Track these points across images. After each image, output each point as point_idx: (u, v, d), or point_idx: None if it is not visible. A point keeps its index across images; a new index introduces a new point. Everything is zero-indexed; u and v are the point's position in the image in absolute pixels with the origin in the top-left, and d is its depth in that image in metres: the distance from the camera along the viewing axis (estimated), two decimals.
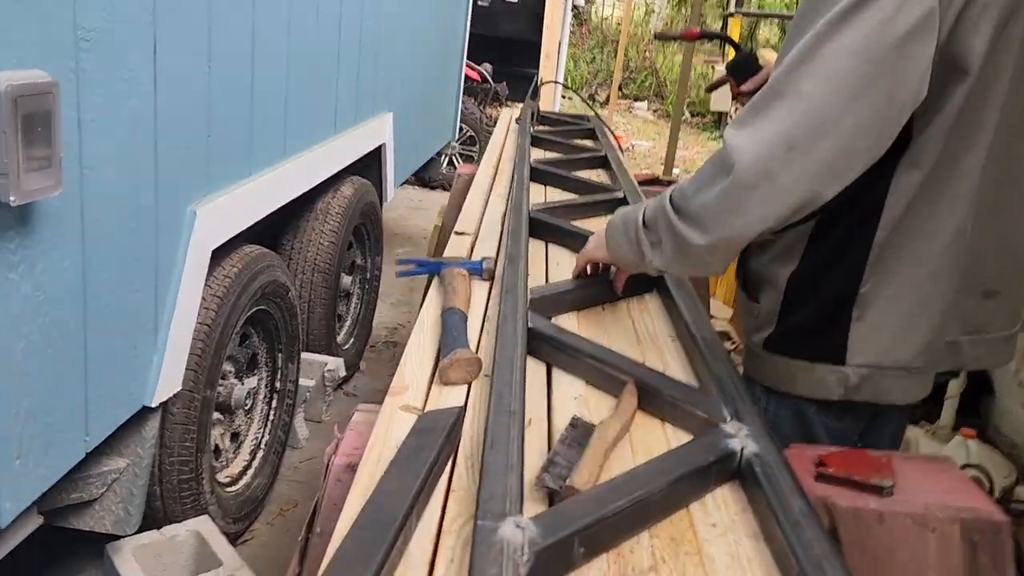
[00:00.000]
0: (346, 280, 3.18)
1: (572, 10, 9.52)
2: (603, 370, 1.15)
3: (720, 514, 0.90)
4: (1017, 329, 1.43)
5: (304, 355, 2.72)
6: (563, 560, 0.76)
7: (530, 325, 1.23)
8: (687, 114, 11.94)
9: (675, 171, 5.01)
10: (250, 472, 2.34)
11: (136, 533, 1.83)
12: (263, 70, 2.04)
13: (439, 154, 5.15)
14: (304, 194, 2.53)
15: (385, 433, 0.99)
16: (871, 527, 1.11)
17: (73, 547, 2.07)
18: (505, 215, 1.97)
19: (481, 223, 1.94)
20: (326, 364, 2.80)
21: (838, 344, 1.27)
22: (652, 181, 3.09)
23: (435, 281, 1.52)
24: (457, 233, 1.85)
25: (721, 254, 1.12)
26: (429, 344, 1.24)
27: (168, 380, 1.75)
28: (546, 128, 3.23)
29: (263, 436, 2.42)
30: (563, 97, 9.72)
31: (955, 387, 3.03)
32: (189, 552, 1.89)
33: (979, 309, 1.34)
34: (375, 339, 3.57)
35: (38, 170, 1.19)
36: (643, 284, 1.54)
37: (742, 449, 0.95)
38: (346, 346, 3.18)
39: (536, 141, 2.91)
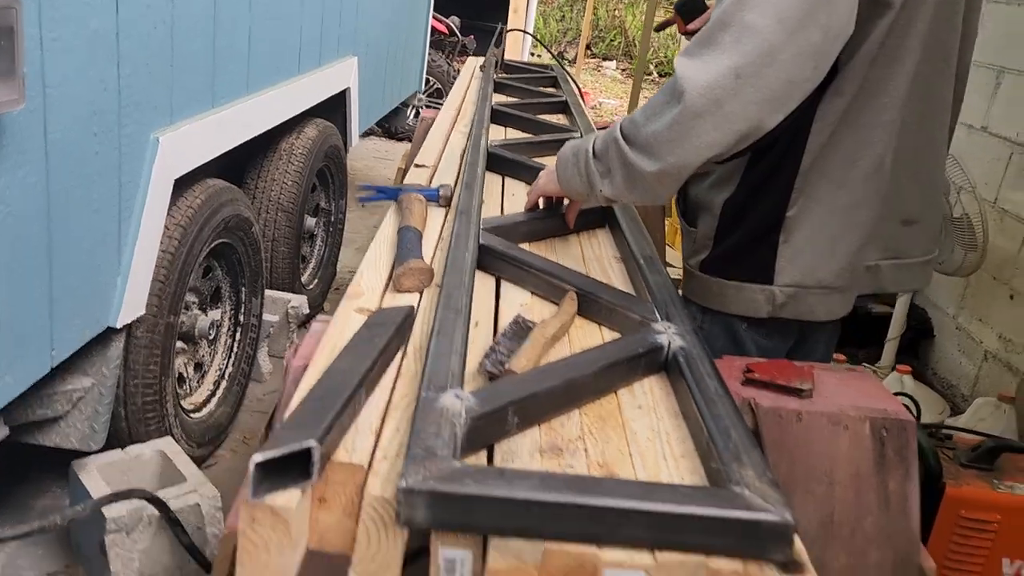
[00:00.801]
0: (310, 222, 3.22)
1: None
2: (548, 280, 1.22)
3: (646, 398, 0.99)
4: (934, 255, 1.54)
5: (268, 292, 2.77)
6: (498, 427, 0.85)
7: (481, 242, 1.31)
8: (655, 72, 11.96)
9: None
10: (214, 401, 2.40)
11: (101, 451, 1.89)
12: (225, 1, 2.06)
13: (405, 105, 5.15)
14: (268, 133, 2.55)
15: (340, 331, 1.06)
16: (790, 425, 1.21)
17: (37, 466, 2.12)
18: (465, 150, 2.03)
19: (441, 157, 1.99)
20: (290, 301, 2.85)
21: (766, 265, 1.37)
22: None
23: (393, 206, 1.58)
24: (417, 165, 1.91)
25: (670, 181, 1.18)
26: (385, 256, 1.31)
27: (132, 304, 1.80)
28: (509, 75, 3.27)
29: (227, 367, 2.48)
30: (532, 55, 9.70)
31: (896, 329, 3.18)
32: (154, 469, 1.96)
33: (899, 236, 1.44)
34: (339, 282, 3.62)
35: (1, 83, 1.23)
36: (595, 220, 1.61)
37: (669, 344, 1.03)
38: (310, 286, 3.23)
39: (499, 87, 2.96)
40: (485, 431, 0.83)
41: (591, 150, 1.26)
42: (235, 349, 2.51)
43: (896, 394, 2.14)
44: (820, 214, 1.34)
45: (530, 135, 2.32)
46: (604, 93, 10.53)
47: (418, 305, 1.18)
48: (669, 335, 1.05)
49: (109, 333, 1.78)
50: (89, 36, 1.51)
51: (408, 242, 1.30)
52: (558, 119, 2.60)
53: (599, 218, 1.63)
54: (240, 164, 2.73)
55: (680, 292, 1.47)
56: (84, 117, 1.53)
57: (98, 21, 1.53)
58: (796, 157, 1.32)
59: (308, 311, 2.95)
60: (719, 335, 1.46)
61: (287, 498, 0.74)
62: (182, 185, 1.98)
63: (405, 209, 1.47)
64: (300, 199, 2.91)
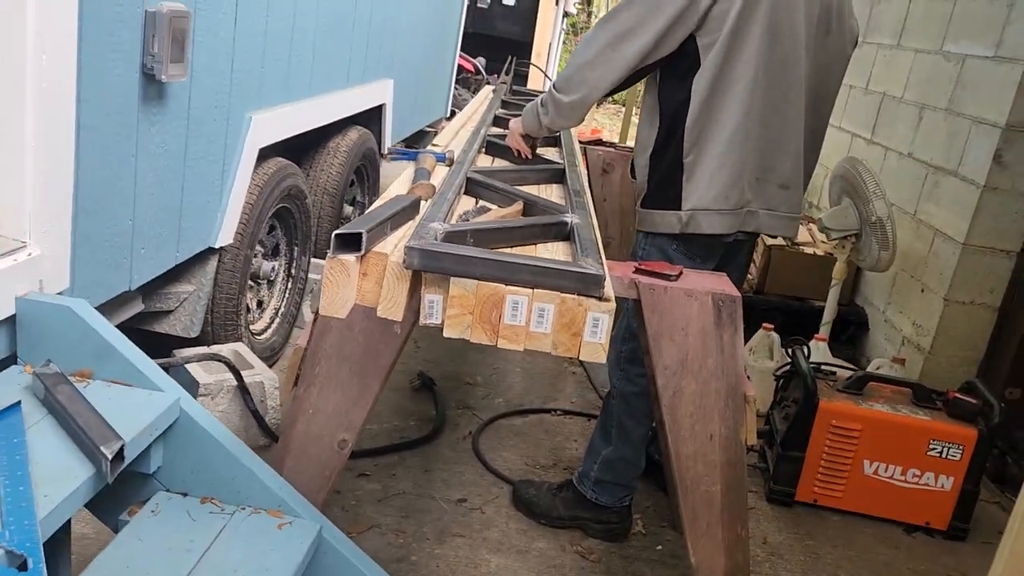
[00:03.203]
0: (348, 210, 3.95)
1: (564, 16, 10.33)
2: (508, 197, 1.93)
3: (552, 249, 1.68)
4: (799, 214, 2.25)
5: (314, 260, 3.49)
6: (460, 242, 1.54)
7: (468, 176, 2.02)
8: None
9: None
10: (270, 330, 3.11)
11: (193, 344, 2.60)
12: (300, 25, 2.83)
13: (432, 130, 5.93)
14: (321, 130, 3.30)
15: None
16: (660, 295, 1.89)
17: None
18: (469, 139, 2.76)
19: (451, 142, 2.72)
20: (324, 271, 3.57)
21: (675, 196, 2.11)
22: (597, 142, 3.87)
23: (413, 163, 2.29)
24: (433, 145, 2.63)
25: (580, 108, 2.07)
26: (405, 182, 2.02)
27: (225, 233, 2.53)
28: (515, 97, 4.02)
29: (281, 307, 3.19)
30: None
31: (828, 314, 3.82)
32: (230, 361, 2.66)
33: (776, 195, 2.19)
34: None
35: (176, 63, 1.97)
36: (554, 177, 2.32)
37: (571, 222, 1.73)
38: None
39: (506, 104, 3.70)
40: (453, 239, 1.53)
41: (539, 100, 2.17)
42: (287, 294, 3.23)
43: (813, 365, 2.76)
44: (704, 159, 2.07)
45: None
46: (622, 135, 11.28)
47: (423, 206, 1.88)
48: (572, 218, 1.74)
49: (208, 252, 2.50)
50: (220, 41, 2.26)
51: (421, 174, 2.01)
52: None
53: (557, 176, 2.33)
54: (299, 153, 3.48)
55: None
56: (210, 94, 2.28)
57: (225, 31, 2.28)
58: (683, 121, 2.06)
59: None
60: (655, 254, 2.18)
61: (347, 257, 1.44)
62: (262, 156, 2.72)
63: (421, 160, 2.19)
64: (342, 188, 3.65)
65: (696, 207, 2.07)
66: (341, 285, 1.44)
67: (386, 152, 4.31)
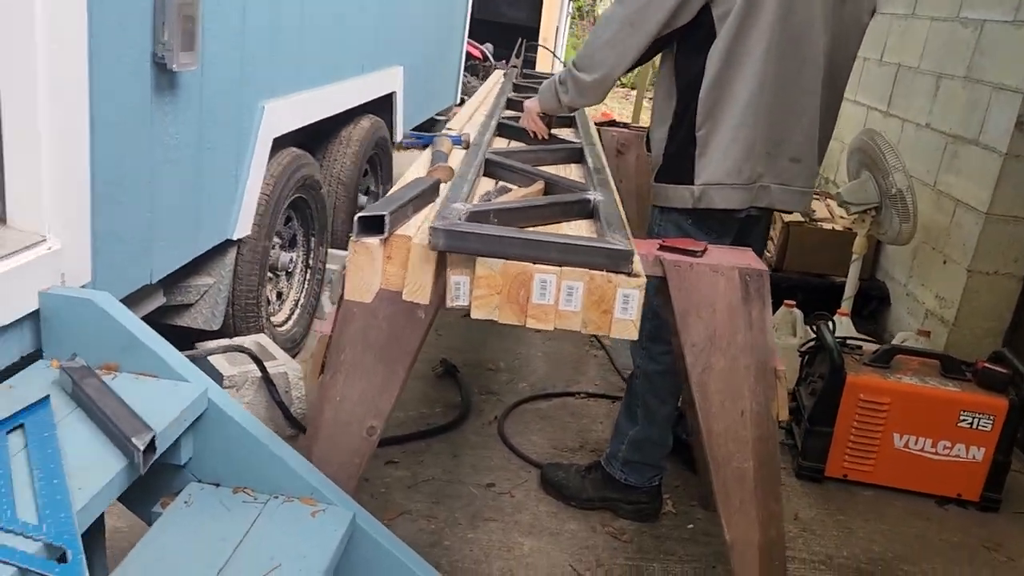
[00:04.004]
0: (363, 199, 3.94)
1: (571, 1, 10.24)
2: (528, 177, 1.90)
3: (577, 226, 1.65)
4: (811, 188, 2.22)
5: (331, 250, 3.48)
6: (484, 221, 1.52)
7: (486, 157, 1.99)
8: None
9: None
10: (290, 322, 3.11)
11: (215, 337, 2.59)
12: (309, 13, 2.80)
13: (444, 118, 5.90)
14: (333, 119, 3.28)
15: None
16: (686, 272, 1.86)
17: None
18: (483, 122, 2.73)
19: (465, 125, 2.69)
20: (347, 256, 3.56)
21: (689, 170, 2.07)
22: (610, 123, 3.84)
23: (429, 148, 2.27)
24: (448, 129, 2.61)
25: (601, 86, 2.06)
26: (423, 165, 2.00)
27: (243, 224, 2.52)
28: (526, 80, 3.99)
29: (300, 298, 3.19)
30: None
31: (849, 289, 3.78)
32: (254, 352, 2.65)
33: (788, 169, 2.15)
34: None
35: (187, 51, 1.95)
36: (573, 157, 2.30)
37: (593, 199, 1.70)
38: None
39: (517, 88, 3.67)
40: (477, 219, 1.50)
41: (557, 78, 2.16)
42: (306, 285, 3.22)
43: (834, 333, 2.74)
44: (718, 132, 2.04)
45: None
46: (611, 98, 11.21)
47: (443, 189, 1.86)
48: (594, 195, 1.72)
49: (227, 244, 2.49)
50: (230, 30, 2.24)
51: (438, 156, 1.99)
52: None
53: (575, 156, 2.31)
54: (312, 143, 3.47)
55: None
56: (222, 83, 2.26)
57: (234, 21, 2.26)
58: (696, 94, 2.04)
59: None
60: (670, 229, 2.15)
61: (371, 240, 1.42)
62: (276, 146, 2.71)
63: (437, 143, 2.17)
64: (355, 177, 3.63)
65: (708, 181, 2.05)
66: (366, 269, 1.43)
67: (399, 139, 4.29)
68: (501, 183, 1.75)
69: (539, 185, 1.82)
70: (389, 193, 1.66)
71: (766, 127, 2.05)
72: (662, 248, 1.90)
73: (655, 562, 2.24)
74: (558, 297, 1.39)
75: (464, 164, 1.88)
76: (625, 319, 1.39)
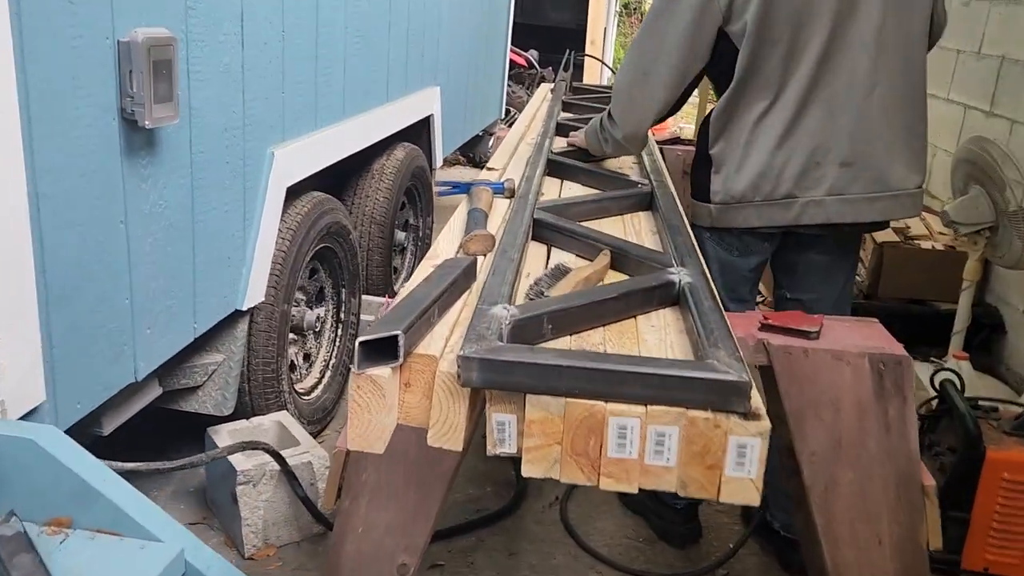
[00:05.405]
0: (400, 236, 3.57)
1: None
2: (588, 243, 1.49)
3: (659, 321, 1.24)
4: (878, 193, 1.90)
5: (365, 296, 3.12)
6: (535, 331, 1.11)
7: (536, 216, 1.59)
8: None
9: None
10: (320, 387, 2.74)
11: (229, 420, 2.24)
12: (325, 39, 2.43)
13: (488, 133, 5.51)
14: (362, 153, 2.91)
15: (420, 277, 1.35)
16: (798, 360, 1.44)
17: (176, 436, 2.49)
18: (530, 157, 2.32)
19: (509, 162, 2.29)
20: (383, 303, 3.19)
21: (707, 189, 1.92)
22: (674, 141, 3.40)
23: (465, 197, 1.87)
24: (488, 168, 2.21)
25: (634, 141, 2.00)
26: (458, 231, 1.60)
27: (254, 291, 2.16)
28: (577, 96, 3.57)
29: (331, 358, 2.82)
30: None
31: (960, 323, 3.27)
32: (273, 436, 2.29)
33: (840, 177, 1.88)
34: None
35: (163, 102, 1.59)
36: (639, 204, 1.88)
37: (680, 281, 1.28)
38: None
39: (567, 106, 3.25)
40: (525, 333, 1.10)
41: (599, 124, 2.07)
42: (337, 343, 2.86)
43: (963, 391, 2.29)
44: (729, 151, 1.87)
45: None
46: (685, 119, 10.70)
47: (481, 265, 1.46)
48: (681, 275, 1.30)
49: (236, 315, 2.14)
50: (223, 69, 1.88)
51: (476, 219, 1.59)
52: None
53: (644, 202, 1.89)
54: (339, 181, 3.11)
55: None
56: (218, 132, 1.90)
57: (228, 57, 1.90)
58: (711, 112, 1.91)
59: None
60: (701, 246, 1.92)
61: (381, 371, 1.02)
62: (292, 194, 2.34)
63: (475, 196, 1.77)
64: (391, 214, 3.26)
65: (724, 200, 1.91)
66: (375, 410, 1.03)
67: (439, 165, 3.91)
68: (556, 263, 1.34)
69: (605, 260, 1.40)
70: (409, 283, 1.26)
71: (801, 136, 1.83)
72: (765, 327, 1.48)
73: None
74: (644, 448, 0.97)
75: (508, 231, 1.47)
76: (741, 477, 0.97)
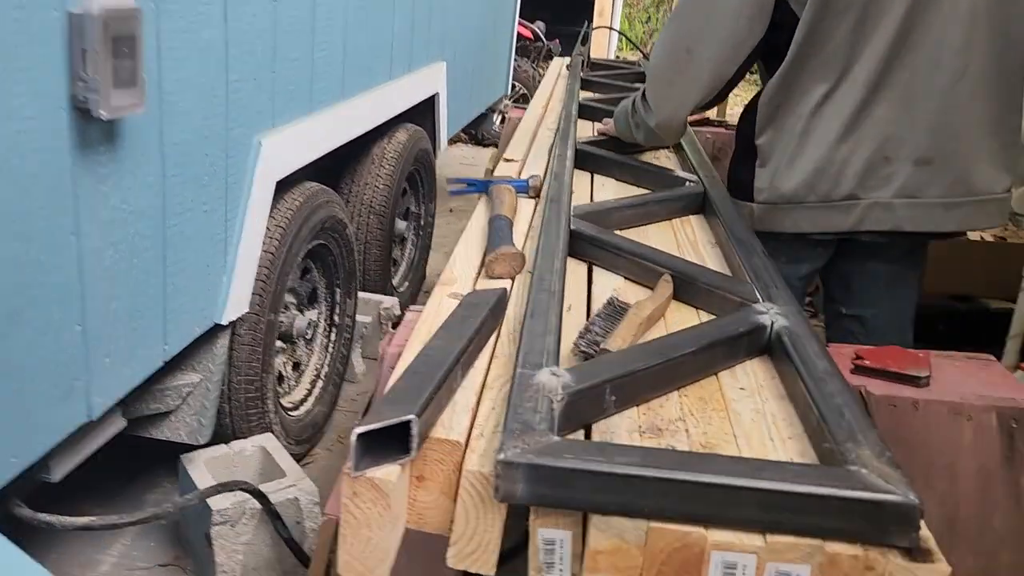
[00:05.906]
0: (401, 225, 3.27)
1: None
2: (641, 264, 1.20)
3: (748, 380, 0.95)
4: (960, 199, 1.58)
5: (361, 294, 2.83)
6: (595, 405, 0.83)
7: (572, 227, 1.30)
8: None
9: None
10: (311, 399, 2.46)
11: (206, 446, 1.96)
12: (323, 11, 2.12)
13: (492, 111, 5.18)
14: (361, 138, 2.61)
15: (434, 314, 1.06)
16: (906, 415, 1.16)
17: (148, 462, 2.22)
18: (553, 145, 2.02)
19: (529, 152, 1.99)
20: (382, 302, 2.90)
21: (749, 185, 1.62)
22: (703, 122, 3.09)
23: (483, 198, 1.58)
24: (506, 160, 1.91)
25: (668, 130, 1.74)
26: (476, 245, 1.31)
27: (236, 301, 1.87)
28: (595, 73, 3.26)
29: (323, 367, 2.54)
30: (617, 57, 9.63)
31: (1018, 325, 2.99)
32: (255, 464, 2.02)
33: (915, 176, 1.56)
34: (428, 285, 3.67)
35: (124, 88, 1.29)
36: (690, 206, 1.59)
37: (772, 324, 1.00)
38: (400, 289, 3.28)
39: (586, 84, 2.95)
40: (582, 409, 0.82)
41: (630, 108, 1.79)
42: (330, 349, 2.57)
43: None
44: (780, 142, 1.57)
45: None
46: None
47: (510, 291, 1.17)
48: (771, 315, 1.01)
49: (216, 330, 1.85)
50: (201, 46, 1.58)
51: (499, 230, 1.30)
52: None
53: (695, 204, 1.60)
54: (334, 168, 2.80)
55: None
56: (196, 121, 1.60)
57: (209, 32, 1.60)
58: (758, 95, 1.59)
59: (400, 313, 3.00)
60: None
61: (387, 472, 0.74)
62: (282, 187, 2.05)
63: (496, 199, 1.48)
64: (391, 202, 2.96)
65: (770, 199, 1.60)
66: (377, 526, 0.75)
67: (443, 148, 3.60)
68: (608, 298, 1.06)
69: (667, 290, 1.11)
70: (417, 325, 0.98)
71: (870, 126, 1.53)
72: (859, 369, 1.20)
73: None
74: None
75: (544, 251, 1.17)
76: None
